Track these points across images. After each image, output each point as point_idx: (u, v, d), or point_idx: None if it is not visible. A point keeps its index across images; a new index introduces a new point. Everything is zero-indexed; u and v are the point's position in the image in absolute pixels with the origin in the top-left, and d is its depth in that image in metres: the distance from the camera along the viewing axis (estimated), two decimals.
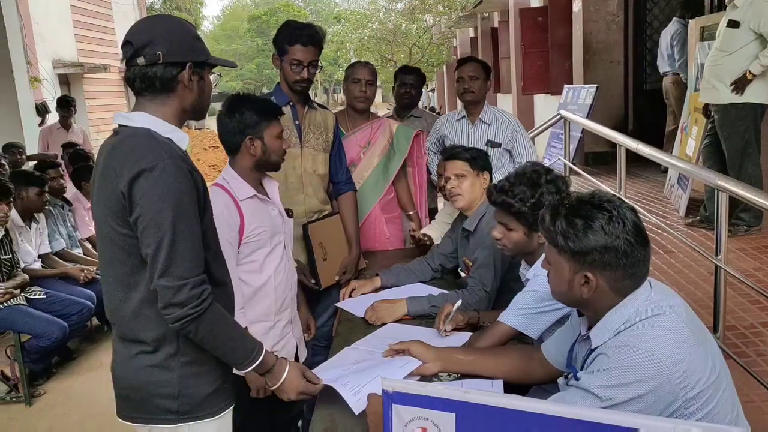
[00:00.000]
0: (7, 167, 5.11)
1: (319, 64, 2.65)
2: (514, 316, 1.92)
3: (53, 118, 8.03)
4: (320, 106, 2.83)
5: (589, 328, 1.47)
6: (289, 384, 1.63)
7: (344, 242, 2.84)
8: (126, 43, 1.53)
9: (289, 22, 2.66)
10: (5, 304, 3.71)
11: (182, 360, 1.54)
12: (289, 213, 2.39)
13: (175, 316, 1.43)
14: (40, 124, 7.72)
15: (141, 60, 1.50)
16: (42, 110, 8.08)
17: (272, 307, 2.21)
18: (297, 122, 2.70)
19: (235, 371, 1.67)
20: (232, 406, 1.68)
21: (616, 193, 1.49)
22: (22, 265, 4.03)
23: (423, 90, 4.13)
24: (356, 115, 3.19)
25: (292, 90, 2.66)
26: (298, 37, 2.55)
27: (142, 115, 1.53)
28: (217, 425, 1.62)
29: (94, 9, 14.62)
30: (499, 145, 3.36)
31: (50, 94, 11.60)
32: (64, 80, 13.10)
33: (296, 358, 2.33)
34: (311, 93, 2.84)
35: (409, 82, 3.85)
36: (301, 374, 1.66)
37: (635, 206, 1.44)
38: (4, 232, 3.85)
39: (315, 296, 2.81)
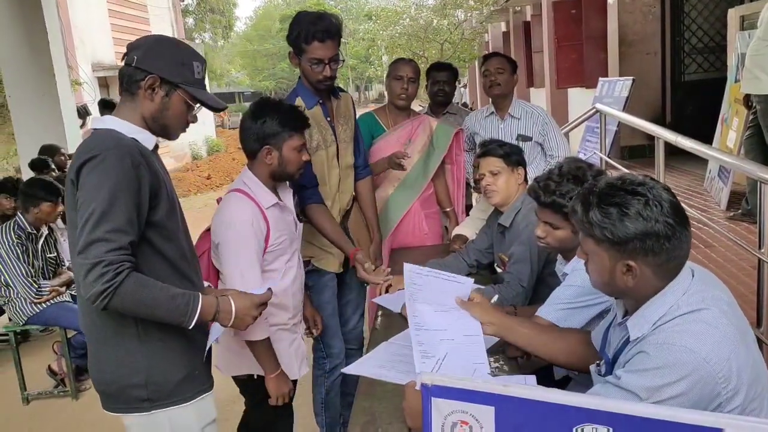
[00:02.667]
0: (53, 169, 5.24)
1: (341, 58, 2.49)
2: (553, 310, 1.91)
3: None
4: (339, 89, 2.70)
5: (625, 312, 1.44)
6: (242, 312, 1.69)
7: (365, 227, 2.86)
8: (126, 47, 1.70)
9: (301, 16, 2.46)
10: (52, 301, 3.83)
11: (143, 348, 1.61)
12: (300, 218, 2.38)
13: (93, 293, 1.43)
14: (81, 126, 7.92)
15: (125, 60, 1.65)
16: (83, 113, 8.27)
17: (290, 313, 2.25)
18: (329, 119, 2.61)
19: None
20: (210, 392, 1.75)
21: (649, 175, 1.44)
22: (67, 264, 4.15)
23: (456, 86, 4.10)
24: (397, 111, 3.19)
25: (317, 89, 2.54)
26: (315, 34, 2.37)
27: (111, 118, 1.64)
28: (195, 409, 1.69)
29: (131, 13, 14.95)
30: (530, 138, 3.34)
31: (90, 96, 11.90)
32: (103, 83, 13.44)
33: None
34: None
35: (442, 79, 3.80)
36: (246, 297, 1.73)
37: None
38: (48, 231, 3.98)
39: (343, 299, 2.82)
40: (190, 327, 1.58)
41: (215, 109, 1.77)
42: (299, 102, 2.54)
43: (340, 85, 2.69)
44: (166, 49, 1.67)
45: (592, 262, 1.40)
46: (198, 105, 1.72)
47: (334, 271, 2.69)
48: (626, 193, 1.32)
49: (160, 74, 1.63)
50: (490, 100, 3.49)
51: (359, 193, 2.84)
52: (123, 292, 1.45)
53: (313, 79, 2.49)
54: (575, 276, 1.88)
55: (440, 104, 3.86)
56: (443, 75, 3.82)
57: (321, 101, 2.58)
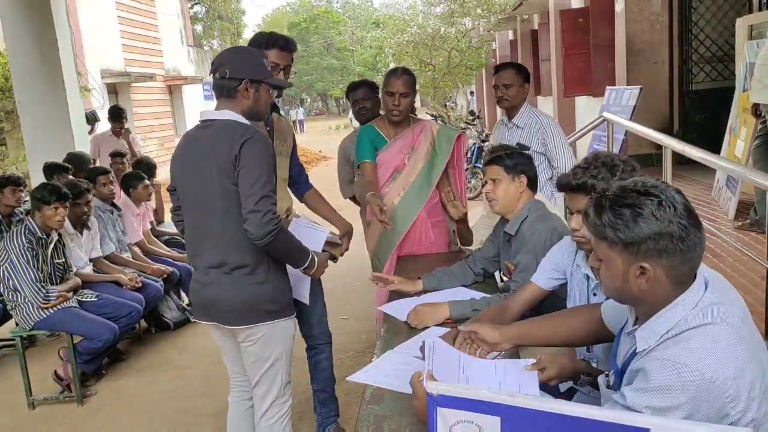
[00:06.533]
0: (70, 176, 5.23)
1: (293, 71, 2.81)
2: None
3: (102, 126, 8.29)
4: (281, 115, 2.93)
5: (635, 321, 1.43)
6: (319, 266, 2.37)
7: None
8: (212, 64, 2.29)
9: (261, 32, 2.80)
10: (59, 306, 3.84)
11: (271, 275, 2.26)
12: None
13: (265, 231, 2.05)
14: (90, 132, 7.96)
15: (216, 75, 2.23)
16: (92, 119, 8.32)
17: None
18: (269, 129, 2.75)
19: None
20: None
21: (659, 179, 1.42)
22: (74, 269, 4.16)
23: (379, 99, 4.09)
24: (396, 122, 3.20)
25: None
26: (276, 42, 2.68)
27: (227, 112, 2.23)
28: (293, 322, 2.41)
29: (140, 20, 15.04)
30: (527, 148, 3.34)
31: (99, 103, 11.98)
32: (112, 89, 13.52)
33: None
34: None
35: (360, 97, 3.86)
36: (321, 255, 2.43)
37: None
38: (57, 237, 3.99)
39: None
40: (302, 269, 2.28)
41: (281, 88, 2.52)
42: None
43: None
44: (245, 57, 2.27)
45: (605, 267, 1.39)
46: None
47: None
48: (639, 195, 1.31)
49: (249, 77, 2.21)
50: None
51: (311, 202, 3.03)
52: (282, 233, 2.12)
53: None
54: None
55: (367, 121, 3.78)
56: (360, 93, 3.88)
57: None
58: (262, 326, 2.27)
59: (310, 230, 2.78)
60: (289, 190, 2.94)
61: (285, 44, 2.71)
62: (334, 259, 2.85)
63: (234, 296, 2.24)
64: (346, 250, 2.93)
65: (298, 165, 2.99)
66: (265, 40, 2.71)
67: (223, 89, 2.23)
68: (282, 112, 3.00)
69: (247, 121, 2.21)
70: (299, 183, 3.00)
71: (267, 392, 2.38)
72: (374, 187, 3.06)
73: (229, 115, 2.21)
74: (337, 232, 2.92)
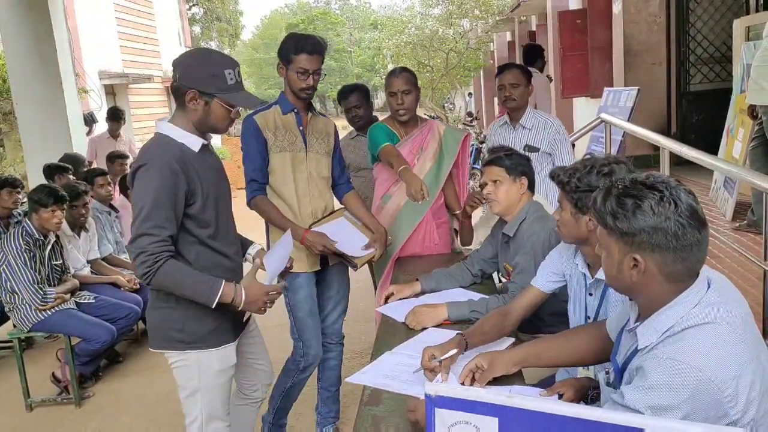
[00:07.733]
0: (70, 177, 5.22)
1: (323, 73, 2.75)
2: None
3: (100, 127, 8.28)
4: (321, 114, 2.94)
5: (638, 317, 1.43)
6: (252, 299, 2.03)
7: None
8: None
9: (292, 34, 2.77)
10: (56, 308, 3.83)
11: (183, 304, 2.03)
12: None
13: (139, 274, 1.91)
14: (88, 134, 7.96)
15: (173, 77, 2.03)
16: (89, 120, 8.32)
17: None
18: (301, 128, 2.80)
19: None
20: (233, 344, 2.20)
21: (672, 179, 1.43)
22: (72, 271, 4.15)
23: (372, 103, 4.05)
24: (403, 122, 3.19)
25: (298, 97, 2.75)
26: (304, 47, 2.65)
27: (165, 124, 2.04)
28: (219, 356, 2.15)
29: (138, 21, 15.02)
30: (537, 149, 3.34)
31: (96, 104, 11.96)
32: (110, 90, 13.49)
33: None
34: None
35: (352, 105, 3.83)
36: (256, 286, 2.06)
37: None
38: (55, 239, 3.98)
39: (324, 295, 2.98)
40: (213, 307, 1.97)
41: (234, 107, 2.06)
42: (275, 109, 2.77)
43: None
44: (199, 63, 2.00)
45: (606, 254, 1.41)
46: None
47: (306, 270, 2.81)
48: (645, 188, 1.33)
49: (197, 88, 1.97)
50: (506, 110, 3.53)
51: (349, 204, 2.99)
52: (159, 275, 1.89)
53: (296, 87, 2.71)
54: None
55: (361, 128, 3.76)
56: (353, 99, 3.84)
57: (296, 111, 2.79)
58: (172, 354, 2.13)
59: (352, 231, 2.83)
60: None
61: (312, 48, 2.65)
62: (354, 267, 2.86)
63: (150, 317, 2.16)
64: (380, 256, 2.86)
65: (340, 166, 3.00)
66: (293, 45, 2.66)
67: (176, 95, 2.02)
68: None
69: (183, 136, 2.02)
70: (340, 184, 3.01)
71: (191, 422, 2.20)
72: (402, 160, 3.00)
73: (166, 128, 2.03)
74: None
